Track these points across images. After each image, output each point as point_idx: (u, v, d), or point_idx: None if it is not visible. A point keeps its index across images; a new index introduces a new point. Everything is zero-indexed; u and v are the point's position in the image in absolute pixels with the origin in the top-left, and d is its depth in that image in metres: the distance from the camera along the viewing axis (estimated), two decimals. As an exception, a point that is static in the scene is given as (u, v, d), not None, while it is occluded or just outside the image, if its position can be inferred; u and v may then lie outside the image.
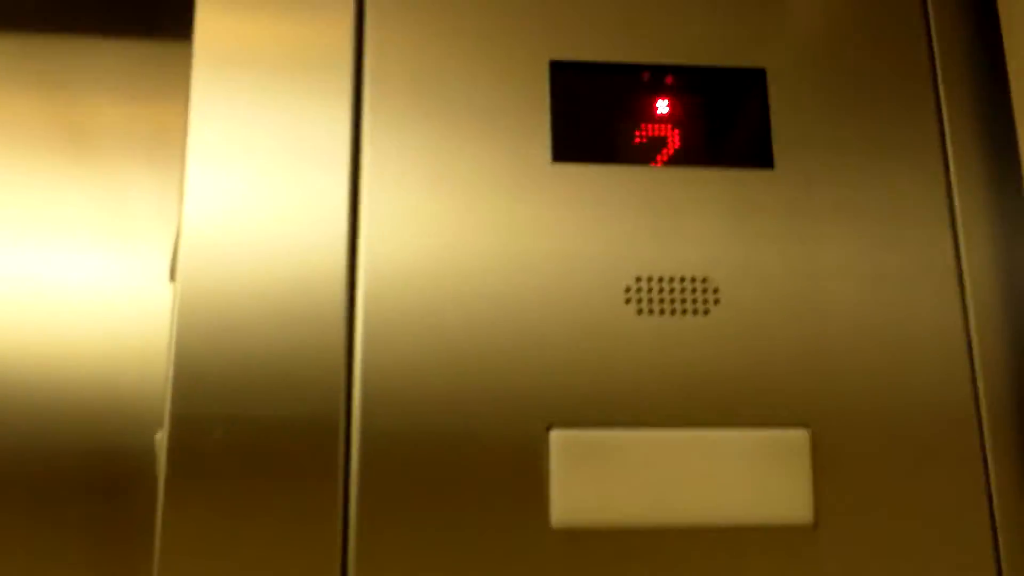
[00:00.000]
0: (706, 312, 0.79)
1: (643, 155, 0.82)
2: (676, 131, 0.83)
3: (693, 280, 0.80)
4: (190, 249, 0.77)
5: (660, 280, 0.79)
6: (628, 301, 0.79)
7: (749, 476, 0.77)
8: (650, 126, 0.83)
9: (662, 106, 0.84)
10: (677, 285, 0.80)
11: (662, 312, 0.79)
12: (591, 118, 0.83)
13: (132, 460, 0.86)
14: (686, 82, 0.85)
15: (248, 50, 0.82)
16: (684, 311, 0.79)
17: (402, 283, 0.77)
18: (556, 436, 0.76)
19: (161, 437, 0.71)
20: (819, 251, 0.82)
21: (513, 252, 0.79)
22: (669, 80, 0.85)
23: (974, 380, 0.81)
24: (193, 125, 0.79)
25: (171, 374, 0.73)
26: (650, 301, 0.79)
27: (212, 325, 0.75)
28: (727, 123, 0.85)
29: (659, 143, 0.83)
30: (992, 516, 0.78)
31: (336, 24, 0.83)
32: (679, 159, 0.82)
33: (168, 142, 0.92)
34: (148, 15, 0.97)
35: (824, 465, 0.78)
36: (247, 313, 0.76)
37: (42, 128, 0.92)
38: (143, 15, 0.97)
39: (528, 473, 0.75)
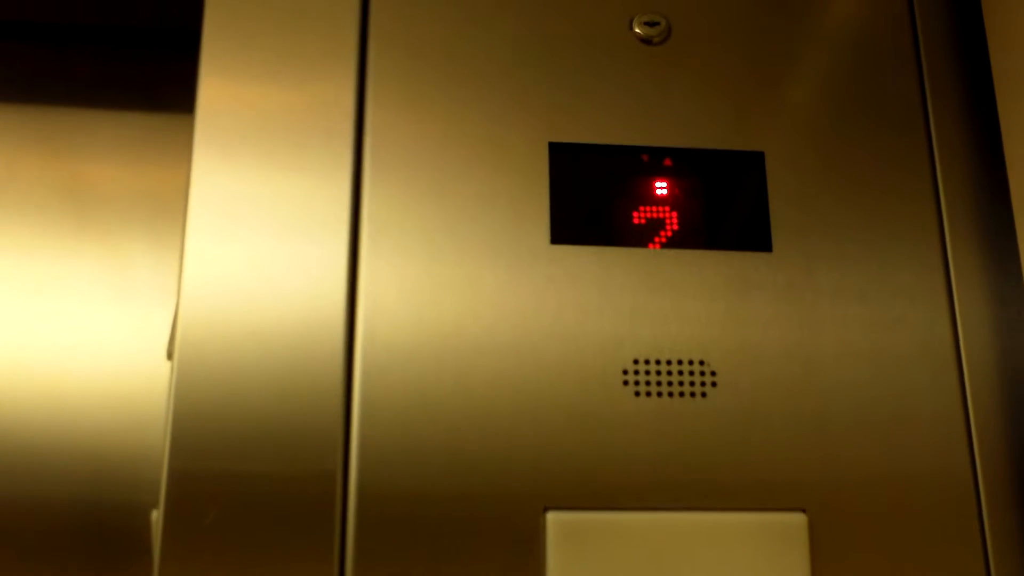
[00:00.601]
0: (704, 395, 0.79)
1: (642, 237, 0.83)
2: (674, 213, 0.84)
3: (691, 363, 0.80)
4: (188, 319, 0.77)
5: (658, 363, 0.80)
6: (626, 383, 0.79)
7: (747, 560, 0.77)
8: (649, 208, 0.84)
9: (661, 188, 0.85)
10: (675, 368, 0.80)
11: (660, 395, 0.79)
12: (590, 199, 0.84)
13: (129, 517, 0.85)
14: (684, 164, 0.86)
15: (250, 122, 0.83)
16: (682, 394, 0.79)
17: (400, 358, 0.78)
18: (553, 518, 0.76)
19: (157, 518, 0.71)
20: (818, 334, 0.82)
21: (511, 331, 0.79)
22: (668, 162, 0.85)
23: (973, 462, 0.81)
24: (193, 197, 0.80)
25: (168, 446, 0.73)
26: (648, 383, 0.79)
27: (209, 397, 0.75)
28: (726, 205, 0.85)
29: (658, 225, 0.83)
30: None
31: (337, 97, 0.84)
32: (677, 241, 0.83)
33: (169, 212, 0.93)
34: (153, 90, 0.98)
35: (822, 549, 0.78)
36: (245, 383, 0.76)
37: (48, 200, 0.93)
38: (148, 90, 0.97)
39: (525, 554, 0.75)
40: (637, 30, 0.88)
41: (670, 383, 0.79)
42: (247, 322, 0.77)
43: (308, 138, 0.83)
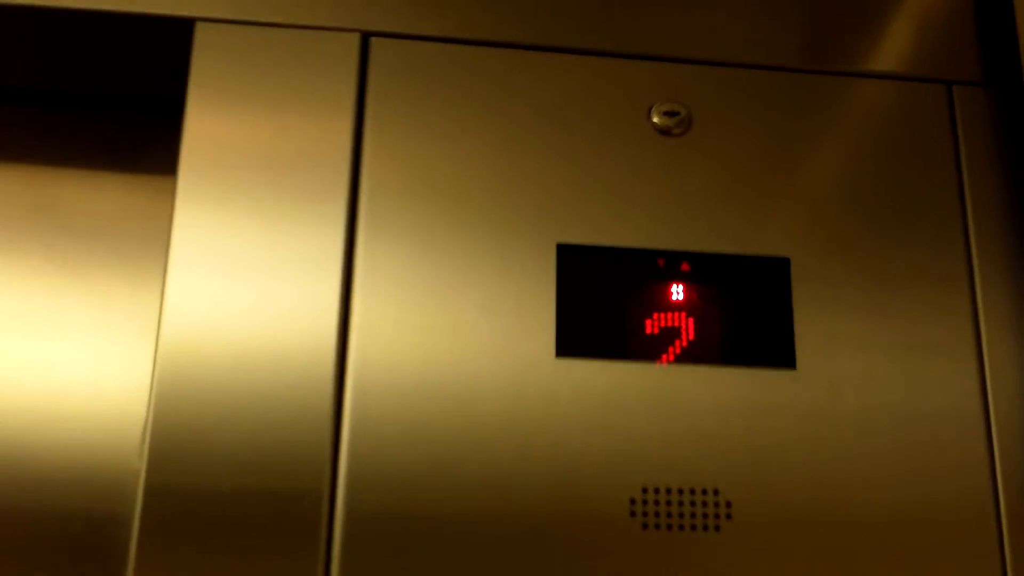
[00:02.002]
0: (717, 528, 0.73)
1: (654, 349, 0.76)
2: (691, 320, 0.78)
3: (704, 492, 0.74)
4: (169, 343, 0.73)
5: (668, 491, 0.73)
6: (634, 514, 0.73)
7: None
8: (663, 315, 0.78)
9: (677, 295, 0.78)
10: (687, 497, 0.73)
11: (670, 527, 0.73)
12: (600, 307, 0.77)
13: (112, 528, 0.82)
14: (703, 270, 0.79)
15: (238, 155, 0.78)
16: (694, 527, 0.73)
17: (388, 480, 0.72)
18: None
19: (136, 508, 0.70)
20: (843, 460, 0.75)
21: (509, 454, 0.73)
22: (685, 267, 0.79)
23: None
24: (177, 230, 0.76)
25: (146, 447, 0.70)
26: (657, 515, 0.73)
27: (188, 421, 0.72)
28: (747, 316, 0.79)
29: (672, 334, 0.77)
30: None
31: (334, 126, 0.79)
32: (692, 355, 0.76)
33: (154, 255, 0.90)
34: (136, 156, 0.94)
35: None
36: (226, 411, 0.72)
37: (37, 246, 0.90)
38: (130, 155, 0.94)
39: None
40: (656, 120, 0.82)
41: (681, 514, 0.73)
42: (229, 352, 0.73)
43: (302, 171, 0.78)
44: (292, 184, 0.77)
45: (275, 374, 0.73)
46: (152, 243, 0.89)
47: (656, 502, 0.73)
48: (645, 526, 0.73)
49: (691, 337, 0.77)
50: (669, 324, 0.77)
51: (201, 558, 0.69)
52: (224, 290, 0.74)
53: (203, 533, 0.69)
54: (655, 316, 0.78)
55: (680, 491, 0.73)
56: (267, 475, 0.71)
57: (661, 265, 0.79)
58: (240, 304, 0.74)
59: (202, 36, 0.81)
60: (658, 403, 0.75)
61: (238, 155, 0.78)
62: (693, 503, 0.73)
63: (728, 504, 0.74)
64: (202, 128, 0.78)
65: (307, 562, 0.70)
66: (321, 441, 0.72)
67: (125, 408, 0.87)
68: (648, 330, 0.77)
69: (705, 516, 0.73)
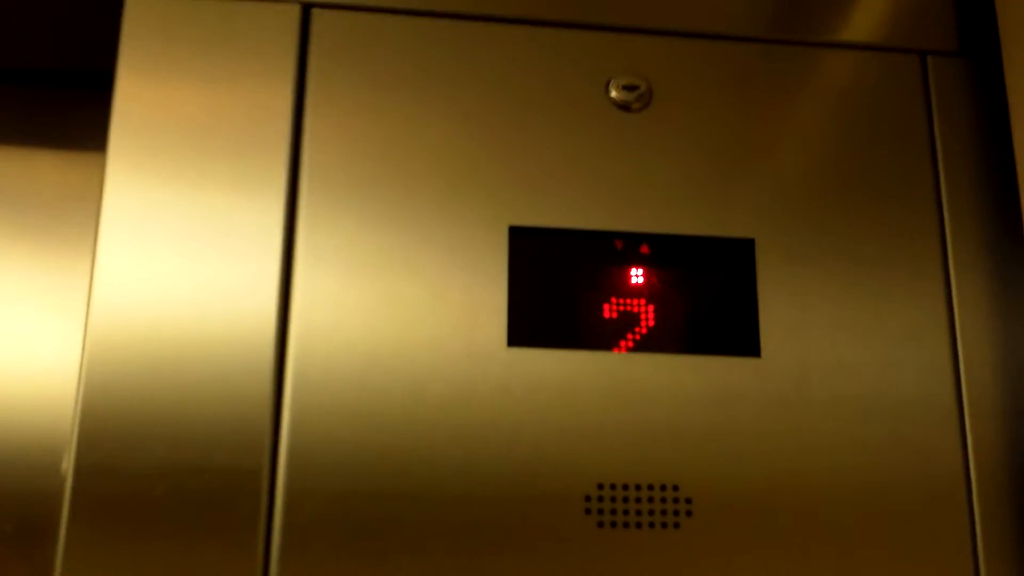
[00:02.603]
0: (676, 525, 0.69)
1: (611, 336, 0.72)
2: (650, 307, 0.74)
3: (663, 488, 0.70)
4: (100, 320, 0.69)
5: (625, 488, 0.69)
6: (589, 512, 0.69)
7: None
8: (621, 301, 0.74)
9: (636, 278, 0.74)
10: (644, 494, 0.70)
11: (627, 525, 0.69)
12: (554, 292, 0.73)
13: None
14: (663, 252, 0.75)
15: (171, 129, 0.74)
16: (652, 524, 0.69)
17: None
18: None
19: (66, 467, 0.67)
20: (810, 452, 0.72)
21: (460, 450, 0.69)
22: (645, 250, 0.75)
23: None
24: (107, 206, 0.72)
25: (76, 426, 0.67)
26: (613, 512, 0.69)
27: (121, 395, 0.68)
28: (709, 301, 0.75)
29: (630, 321, 0.73)
30: None
31: (273, 103, 0.75)
32: (651, 343, 0.72)
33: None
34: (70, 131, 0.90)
35: None
36: (161, 385, 0.69)
37: None
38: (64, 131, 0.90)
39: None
40: (614, 94, 0.77)
41: (638, 512, 0.69)
42: (161, 329, 0.69)
43: (239, 138, 0.74)
44: (229, 160, 0.73)
45: (211, 353, 0.69)
46: (86, 220, 0.85)
47: (613, 499, 0.69)
48: (601, 524, 0.69)
49: (650, 324, 0.73)
50: (627, 310, 0.73)
51: (134, 537, 0.66)
52: (157, 266, 0.71)
53: (136, 512, 0.66)
54: (613, 302, 0.74)
55: (638, 487, 0.70)
56: (204, 453, 0.67)
57: (619, 248, 0.75)
58: (174, 281, 0.71)
59: (132, 8, 0.77)
60: (615, 394, 0.71)
61: (171, 129, 0.73)
62: (652, 500, 0.70)
63: (688, 500, 0.70)
64: (133, 102, 0.74)
65: (246, 541, 0.66)
66: (261, 419, 0.69)
67: (57, 386, 0.83)
68: (605, 316, 0.73)
69: (664, 513, 0.70)
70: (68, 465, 0.67)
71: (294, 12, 0.77)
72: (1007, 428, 0.74)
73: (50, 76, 0.89)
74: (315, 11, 0.78)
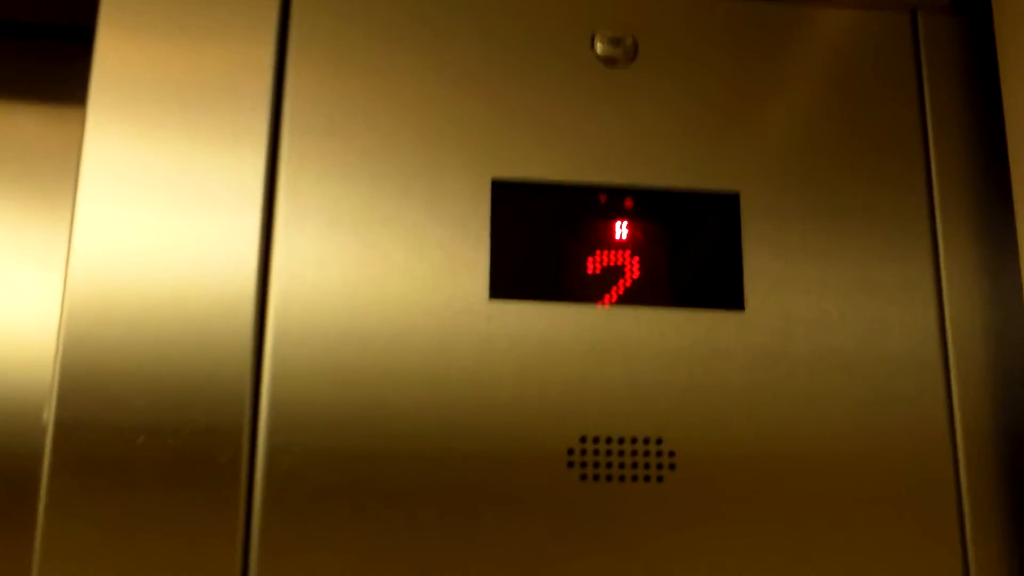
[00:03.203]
0: (660, 479, 0.69)
1: (595, 289, 0.72)
2: (635, 260, 0.73)
3: (646, 441, 0.69)
4: (78, 278, 0.69)
5: (608, 441, 0.69)
6: (571, 465, 0.68)
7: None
8: (605, 254, 0.73)
9: (619, 232, 0.73)
10: (628, 447, 0.69)
11: (609, 478, 0.68)
12: (537, 246, 0.73)
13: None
14: (647, 206, 0.75)
15: (151, 84, 0.73)
16: (635, 477, 0.69)
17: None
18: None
19: (47, 417, 0.66)
20: (794, 405, 0.71)
21: (441, 401, 0.68)
22: (629, 204, 0.74)
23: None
24: (86, 161, 0.71)
25: (56, 380, 0.67)
26: (596, 465, 0.68)
27: (99, 353, 0.68)
28: (693, 255, 0.74)
29: (614, 274, 0.72)
30: None
31: (254, 58, 0.74)
32: (635, 296, 0.72)
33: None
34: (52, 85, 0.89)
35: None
36: (141, 341, 0.68)
37: None
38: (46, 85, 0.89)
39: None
40: (599, 49, 0.77)
41: (621, 465, 0.69)
42: (141, 286, 0.69)
43: (220, 96, 0.74)
44: (210, 116, 0.72)
45: (191, 308, 0.69)
46: (68, 174, 0.84)
47: (596, 452, 0.69)
48: (584, 477, 0.68)
49: (634, 277, 0.73)
50: (611, 263, 0.73)
51: (116, 493, 0.65)
52: (137, 221, 0.70)
53: (118, 469, 0.65)
54: (596, 255, 0.73)
55: (621, 440, 0.69)
56: (184, 407, 0.67)
57: (603, 201, 0.74)
58: (154, 236, 0.70)
59: (113, -38, 0.75)
60: (598, 347, 0.70)
61: (152, 85, 0.73)
62: (635, 453, 0.69)
63: (672, 454, 0.69)
64: (113, 57, 0.73)
65: (227, 496, 0.66)
66: (241, 375, 0.68)
67: (39, 338, 0.83)
68: (589, 270, 0.72)
69: (647, 467, 0.69)
70: (49, 415, 0.66)
71: (277, -34, 0.76)
72: (992, 384, 0.73)
73: (30, 30, 0.88)
74: (297, -32, 0.77)
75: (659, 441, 0.69)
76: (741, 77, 0.78)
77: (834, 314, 0.73)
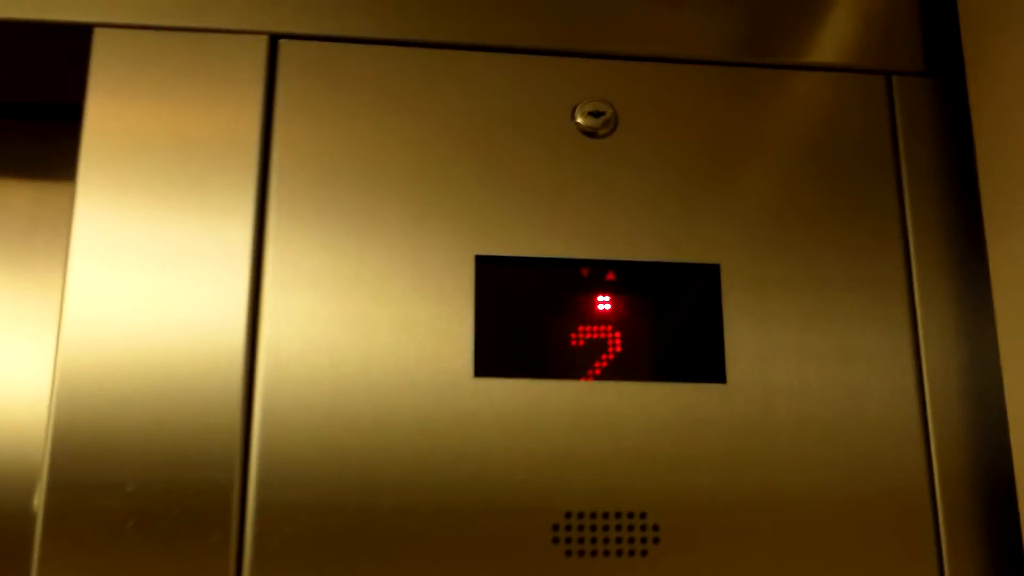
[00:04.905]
0: (644, 553, 0.70)
1: (579, 365, 0.73)
2: (617, 334, 0.74)
3: (631, 515, 0.71)
4: (71, 340, 0.70)
5: (593, 516, 0.70)
6: (556, 540, 0.69)
7: None
8: (588, 329, 0.74)
9: (603, 306, 0.75)
10: (612, 522, 0.70)
11: (595, 554, 0.70)
12: (521, 321, 0.74)
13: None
14: (629, 279, 0.76)
15: (140, 158, 0.74)
16: (620, 552, 0.70)
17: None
18: None
19: (39, 502, 0.67)
20: (776, 475, 0.72)
21: (428, 475, 0.69)
22: (611, 276, 0.75)
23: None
24: (77, 228, 0.72)
25: (49, 445, 0.68)
26: (581, 541, 0.70)
27: (91, 413, 0.69)
28: (675, 327, 0.75)
29: (598, 348, 0.74)
30: None
31: (241, 132, 0.76)
32: (618, 371, 0.73)
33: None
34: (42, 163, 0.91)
35: None
36: (133, 402, 0.69)
37: None
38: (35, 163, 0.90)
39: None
40: (580, 120, 0.78)
41: (606, 540, 0.70)
42: (133, 348, 0.70)
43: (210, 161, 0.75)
44: (198, 188, 0.74)
45: (182, 379, 0.70)
46: (58, 250, 0.85)
47: (580, 527, 0.70)
48: (569, 553, 0.69)
49: (617, 351, 0.74)
50: (594, 338, 0.74)
51: (109, 552, 0.66)
52: (127, 293, 0.72)
53: (110, 527, 0.67)
54: (580, 330, 0.74)
55: (605, 515, 0.70)
56: (176, 468, 0.68)
57: (585, 275, 0.75)
58: (144, 307, 0.71)
59: (101, 42, 0.77)
60: (582, 423, 0.72)
61: (140, 158, 0.74)
62: (619, 527, 0.70)
63: (655, 527, 0.71)
64: (102, 131, 0.75)
65: (219, 560, 0.67)
66: (230, 447, 0.69)
67: (30, 410, 0.84)
68: (572, 344, 0.74)
69: (632, 541, 0.70)
70: (40, 501, 0.68)
71: (262, 43, 0.78)
72: (971, 450, 0.74)
73: (20, 109, 0.89)
74: (282, 42, 0.78)
75: (643, 515, 0.71)
76: (719, 144, 0.79)
77: (814, 383, 0.74)
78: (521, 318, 0.74)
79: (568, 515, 0.70)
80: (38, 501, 0.68)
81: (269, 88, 0.77)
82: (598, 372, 0.73)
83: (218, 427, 0.69)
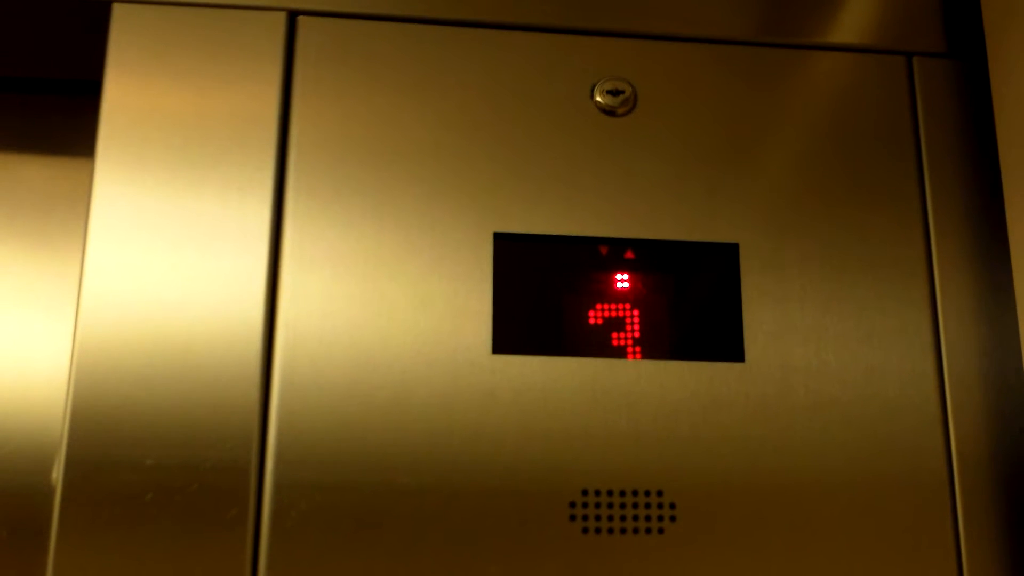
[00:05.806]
0: (661, 531, 0.70)
1: (596, 343, 0.73)
2: (635, 312, 0.74)
3: (647, 494, 0.71)
4: (89, 317, 0.70)
5: (610, 493, 0.70)
6: (573, 518, 0.69)
7: None
8: (606, 307, 0.74)
9: (621, 284, 0.75)
10: (629, 499, 0.70)
11: (611, 531, 0.70)
12: (539, 299, 0.74)
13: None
14: (648, 258, 0.76)
15: (158, 134, 0.74)
16: (636, 530, 0.70)
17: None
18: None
19: (57, 476, 0.68)
20: (794, 455, 0.72)
21: (444, 457, 0.69)
22: (629, 255, 0.75)
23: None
24: (96, 205, 0.73)
25: (67, 422, 0.68)
26: (598, 518, 0.70)
27: (110, 391, 0.69)
28: (693, 306, 0.75)
29: (615, 327, 0.74)
30: None
31: (259, 109, 0.76)
32: (636, 350, 0.73)
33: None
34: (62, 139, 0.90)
35: None
36: (150, 381, 0.70)
37: None
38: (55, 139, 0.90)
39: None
40: (599, 99, 0.78)
41: (623, 517, 0.70)
42: (152, 328, 0.70)
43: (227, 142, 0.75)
44: (216, 165, 0.74)
45: (200, 357, 0.70)
46: (77, 225, 0.86)
47: (597, 505, 0.70)
48: (585, 530, 0.69)
49: (635, 330, 0.74)
50: (612, 316, 0.74)
51: (126, 526, 0.67)
52: (145, 270, 0.72)
53: (128, 501, 0.67)
54: (598, 308, 0.74)
55: (622, 493, 0.70)
56: (193, 445, 0.68)
57: (604, 253, 0.75)
58: (162, 284, 0.72)
59: (119, 17, 0.77)
60: (600, 401, 0.72)
61: (159, 135, 0.74)
62: (636, 505, 0.70)
63: (672, 506, 0.70)
64: (120, 108, 0.75)
65: (236, 536, 0.67)
66: (248, 424, 0.69)
67: (48, 387, 0.84)
68: (590, 323, 0.74)
69: (648, 519, 0.70)
70: (58, 474, 0.68)
71: (280, 19, 0.77)
72: (990, 432, 0.74)
73: (39, 84, 0.89)
74: (301, 18, 0.78)
75: (660, 493, 0.71)
76: (739, 124, 0.79)
77: (833, 363, 0.74)
78: (539, 296, 0.74)
79: (585, 492, 0.70)
80: (56, 475, 0.68)
81: (288, 65, 0.76)
82: (616, 350, 0.73)
83: (236, 404, 0.69)
